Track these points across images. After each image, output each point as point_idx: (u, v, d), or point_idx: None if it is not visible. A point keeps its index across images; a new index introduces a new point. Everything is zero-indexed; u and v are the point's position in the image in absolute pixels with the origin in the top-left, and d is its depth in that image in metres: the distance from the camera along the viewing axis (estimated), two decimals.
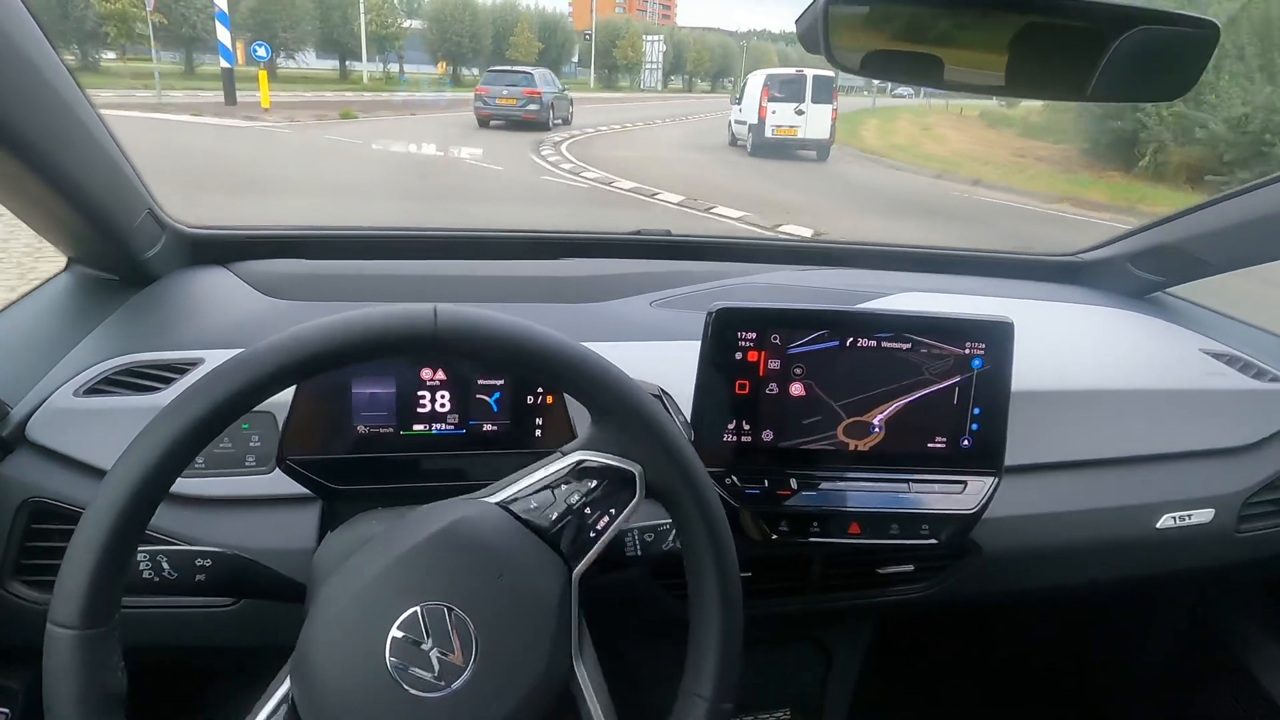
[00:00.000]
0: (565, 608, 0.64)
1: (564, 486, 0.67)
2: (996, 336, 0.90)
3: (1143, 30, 0.72)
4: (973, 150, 16.62)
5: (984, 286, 1.37)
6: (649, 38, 58.00)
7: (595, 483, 0.67)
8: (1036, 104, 15.53)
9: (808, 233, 7.18)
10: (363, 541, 0.66)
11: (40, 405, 0.87)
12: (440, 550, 0.63)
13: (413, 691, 0.58)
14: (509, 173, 10.11)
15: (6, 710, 0.91)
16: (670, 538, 0.81)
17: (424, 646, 0.59)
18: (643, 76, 57.28)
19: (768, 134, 13.91)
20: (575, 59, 44.81)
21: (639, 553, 0.80)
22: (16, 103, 0.71)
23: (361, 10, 30.50)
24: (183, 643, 0.90)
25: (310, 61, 32.51)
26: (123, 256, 1.00)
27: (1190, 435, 1.19)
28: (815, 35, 0.71)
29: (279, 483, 0.86)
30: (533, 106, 16.53)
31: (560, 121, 17.66)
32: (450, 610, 0.60)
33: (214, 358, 0.92)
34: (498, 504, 0.67)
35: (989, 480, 0.93)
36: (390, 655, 0.58)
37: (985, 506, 0.93)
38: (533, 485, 0.68)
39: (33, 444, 0.86)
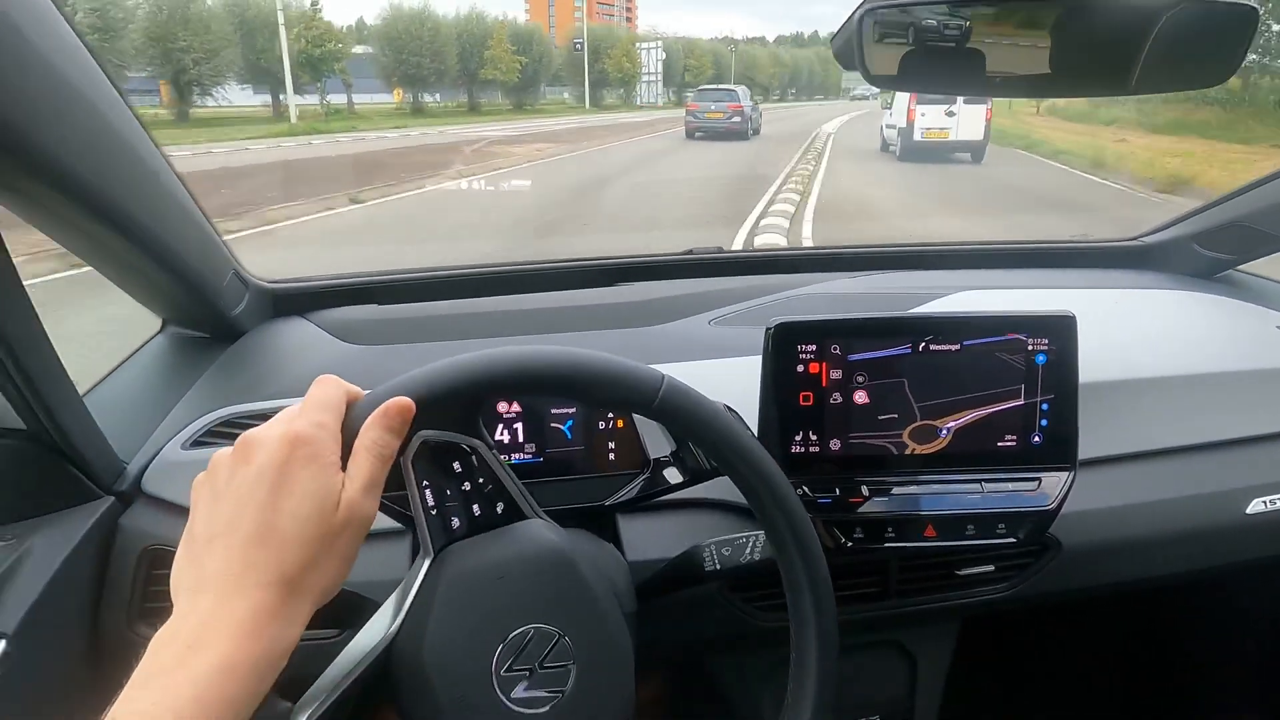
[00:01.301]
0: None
1: None
2: (1059, 330, 0.89)
3: (1182, 11, 0.72)
4: None
5: (1045, 279, 1.35)
6: (644, 45, 51.64)
7: None
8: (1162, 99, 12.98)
9: None
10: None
11: (153, 459, 0.95)
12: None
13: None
14: None
15: None
16: (748, 550, 0.83)
17: (533, 664, 0.62)
18: (640, 90, 50.73)
19: (916, 137, 13.70)
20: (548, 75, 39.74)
21: (717, 566, 0.82)
22: (118, 183, 0.78)
23: (281, 22, 23.74)
24: (291, 673, 0.95)
25: (238, 97, 26.25)
26: (213, 315, 1.08)
27: (1275, 416, 1.15)
28: (850, 51, 0.73)
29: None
30: (736, 119, 17.90)
31: (753, 132, 18.86)
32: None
33: None
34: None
35: (1064, 475, 0.92)
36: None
37: (1062, 502, 0.91)
38: None
39: (148, 495, 0.93)
